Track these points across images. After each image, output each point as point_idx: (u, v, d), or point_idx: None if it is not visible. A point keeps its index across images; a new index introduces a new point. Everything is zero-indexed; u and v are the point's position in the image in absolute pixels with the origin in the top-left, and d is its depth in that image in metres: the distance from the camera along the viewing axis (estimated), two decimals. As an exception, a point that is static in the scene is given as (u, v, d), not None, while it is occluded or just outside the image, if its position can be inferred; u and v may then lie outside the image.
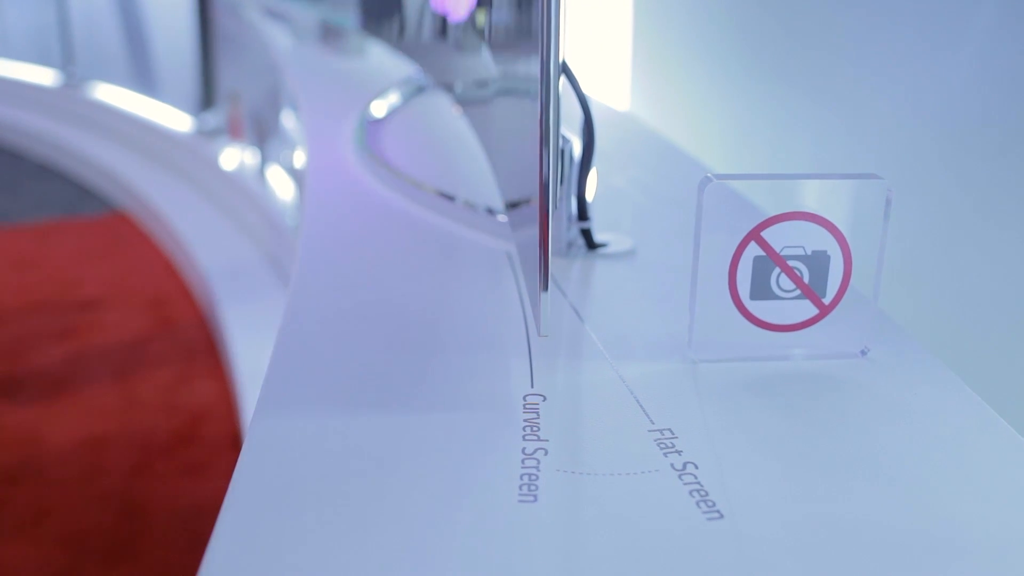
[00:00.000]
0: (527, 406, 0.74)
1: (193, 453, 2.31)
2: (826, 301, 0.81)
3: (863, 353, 0.83)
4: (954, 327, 1.31)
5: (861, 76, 1.47)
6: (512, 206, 0.98)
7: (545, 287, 0.77)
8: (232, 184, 3.43)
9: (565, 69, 1.03)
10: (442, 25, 1.40)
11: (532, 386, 0.77)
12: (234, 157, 3.51)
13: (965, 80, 1.26)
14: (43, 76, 5.04)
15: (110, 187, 4.11)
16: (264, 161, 3.15)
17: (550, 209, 0.77)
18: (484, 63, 1.13)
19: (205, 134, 3.86)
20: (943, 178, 1.31)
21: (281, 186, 2.93)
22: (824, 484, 0.65)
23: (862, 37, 1.46)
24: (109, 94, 4.62)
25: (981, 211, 1.26)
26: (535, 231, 0.78)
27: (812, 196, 0.81)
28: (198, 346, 2.84)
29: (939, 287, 1.34)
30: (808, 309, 0.81)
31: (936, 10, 1.30)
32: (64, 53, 4.93)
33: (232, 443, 2.34)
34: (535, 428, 0.71)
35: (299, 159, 2.54)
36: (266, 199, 3.04)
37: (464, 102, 1.33)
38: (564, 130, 1.01)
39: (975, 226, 1.27)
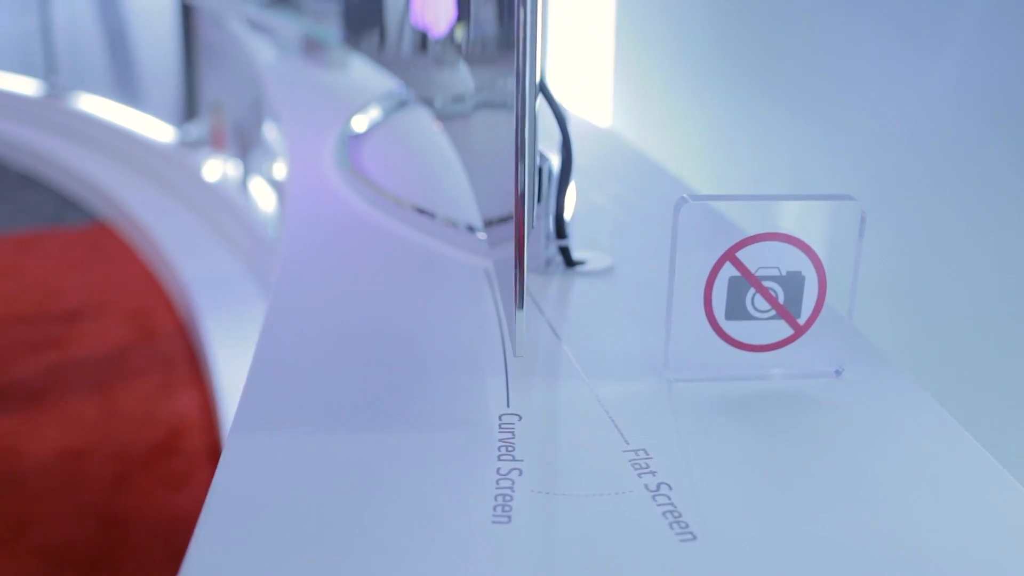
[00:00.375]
0: (503, 426, 0.75)
1: (173, 465, 2.30)
2: (801, 321, 0.82)
3: (837, 373, 0.83)
4: (930, 344, 1.32)
5: (840, 90, 1.48)
6: (491, 223, 0.98)
7: (521, 305, 0.78)
8: (214, 195, 3.42)
9: (542, 86, 1.03)
10: (423, 40, 1.41)
11: (508, 405, 0.78)
12: (216, 168, 3.51)
13: (944, 92, 1.27)
14: (26, 86, 5.03)
15: (92, 197, 4.10)
16: (246, 173, 3.15)
17: (526, 227, 0.77)
18: (463, 78, 1.13)
19: (188, 145, 3.85)
20: (920, 193, 1.32)
21: (263, 198, 2.93)
22: (798, 506, 0.65)
23: (841, 51, 1.47)
24: (92, 104, 4.61)
25: (959, 225, 1.27)
26: (512, 248, 0.79)
27: (788, 216, 0.81)
28: (179, 357, 2.84)
29: (916, 304, 1.35)
30: (783, 329, 0.82)
31: (915, 23, 1.31)
32: (47, 63, 4.92)
33: (212, 455, 2.33)
34: (510, 448, 0.71)
35: (281, 171, 2.54)
36: (248, 211, 3.04)
37: (444, 117, 1.33)
38: (542, 147, 1.01)
39: (952, 241, 1.28)
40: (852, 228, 0.80)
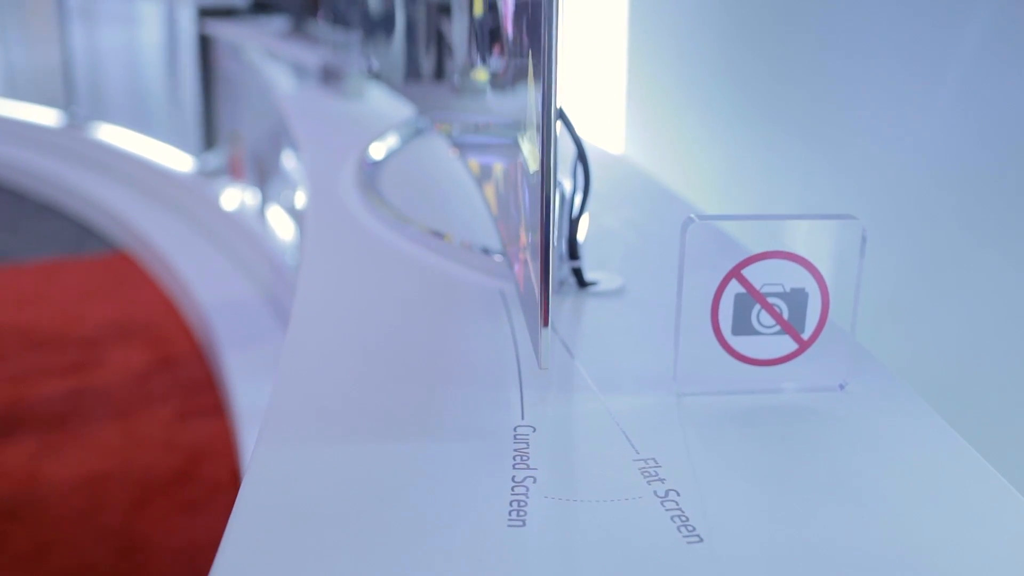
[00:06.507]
0: (517, 436, 0.77)
1: (193, 490, 2.33)
2: (805, 337, 0.84)
3: (841, 387, 0.86)
4: (933, 358, 1.34)
5: (846, 114, 1.51)
6: (508, 245, 1.02)
7: (546, 323, 0.80)
8: (233, 224, 3.47)
9: (561, 113, 1.07)
10: (440, 69, 1.45)
11: (523, 418, 0.81)
12: (235, 197, 3.56)
13: (947, 110, 1.30)
14: (46, 116, 5.10)
15: (112, 226, 4.15)
16: (264, 201, 3.19)
17: (551, 248, 0.80)
18: (481, 105, 1.17)
19: (206, 174, 3.91)
20: (925, 210, 1.35)
21: (281, 226, 2.97)
22: (799, 509, 0.68)
23: (847, 77, 1.50)
24: (111, 134, 4.67)
25: (963, 241, 1.29)
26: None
27: (793, 236, 0.84)
28: (198, 384, 2.87)
29: (920, 318, 1.37)
30: (788, 344, 0.85)
31: (918, 45, 1.34)
32: (67, 93, 4.99)
33: (232, 480, 2.36)
34: (525, 457, 0.74)
35: (299, 199, 2.58)
36: (266, 238, 3.08)
37: (461, 144, 1.37)
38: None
39: (957, 257, 1.30)
40: (854, 246, 0.83)
